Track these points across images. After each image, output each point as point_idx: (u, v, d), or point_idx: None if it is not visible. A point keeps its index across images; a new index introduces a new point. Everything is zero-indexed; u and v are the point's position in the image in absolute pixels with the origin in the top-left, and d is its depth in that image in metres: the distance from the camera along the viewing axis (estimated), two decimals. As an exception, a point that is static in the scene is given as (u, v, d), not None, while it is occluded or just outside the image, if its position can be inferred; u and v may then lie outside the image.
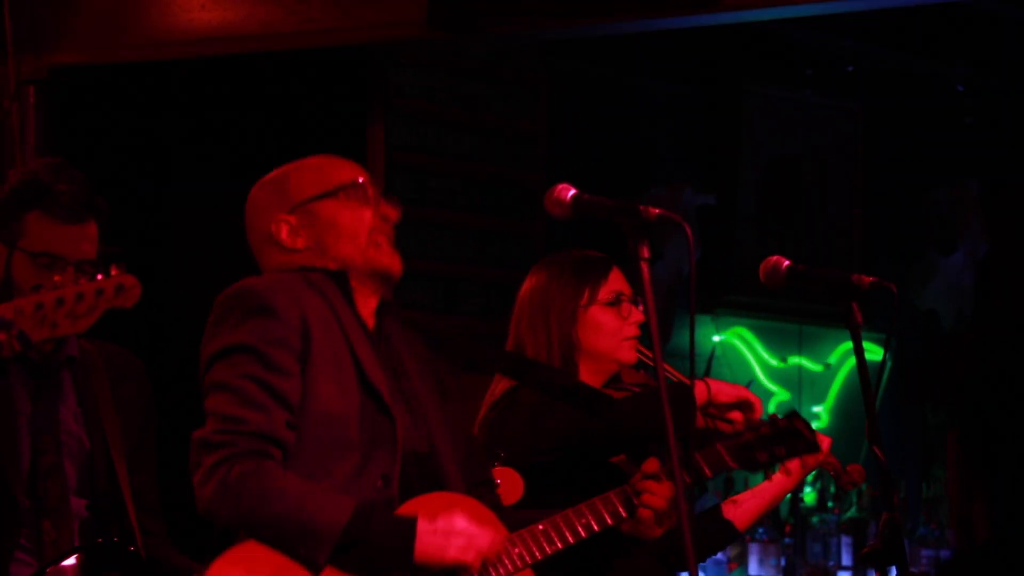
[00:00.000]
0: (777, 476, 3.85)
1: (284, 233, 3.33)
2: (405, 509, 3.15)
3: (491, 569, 3.19)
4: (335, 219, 3.31)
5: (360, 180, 3.34)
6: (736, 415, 3.64)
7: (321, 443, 3.14)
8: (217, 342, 3.17)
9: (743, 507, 4.02)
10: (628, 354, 3.89)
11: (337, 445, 3.14)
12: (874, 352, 7.95)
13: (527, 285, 3.94)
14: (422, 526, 3.08)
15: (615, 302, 3.89)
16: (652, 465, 3.50)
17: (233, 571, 3.06)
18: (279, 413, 3.10)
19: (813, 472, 4.02)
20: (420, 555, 3.07)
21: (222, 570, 3.07)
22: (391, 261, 3.31)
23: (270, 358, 3.11)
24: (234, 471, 3.04)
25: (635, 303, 3.91)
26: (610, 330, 3.86)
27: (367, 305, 3.32)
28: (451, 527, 3.09)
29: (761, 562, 7.47)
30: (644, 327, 3.88)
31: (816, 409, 8.59)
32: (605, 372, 3.91)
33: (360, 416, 3.17)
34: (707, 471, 3.53)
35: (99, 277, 2.54)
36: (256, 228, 3.40)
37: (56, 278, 2.52)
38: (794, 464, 3.91)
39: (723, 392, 3.65)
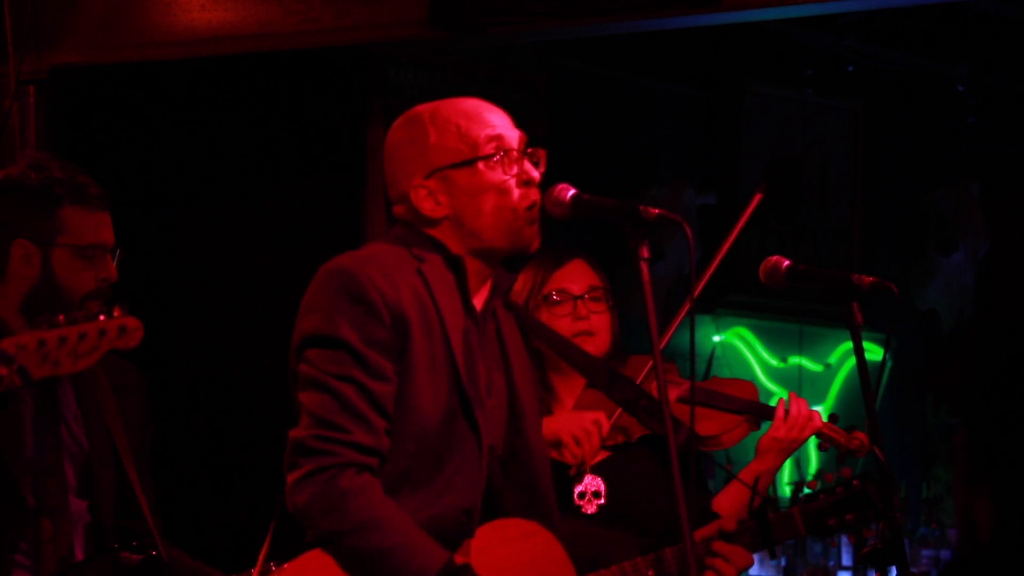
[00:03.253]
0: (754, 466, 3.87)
1: (423, 201, 3.16)
2: (479, 539, 3.09)
3: None
4: (477, 192, 3.14)
5: (503, 144, 3.15)
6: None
7: (411, 455, 3.07)
8: (313, 324, 3.07)
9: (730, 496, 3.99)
10: None
11: (426, 459, 3.08)
12: (874, 352, 7.96)
13: None
14: None
15: (548, 300, 3.87)
16: (729, 524, 3.47)
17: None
18: (379, 423, 3.03)
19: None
20: None
21: (297, 570, 3.03)
22: (532, 236, 3.18)
23: (370, 362, 3.02)
24: (337, 484, 2.98)
25: (584, 300, 3.88)
26: None
27: (482, 285, 3.21)
28: None
29: (761, 562, 7.47)
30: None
31: (816, 409, 8.59)
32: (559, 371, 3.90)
33: (450, 425, 3.09)
34: (778, 537, 3.50)
35: (102, 317, 2.54)
36: (392, 182, 3.23)
37: (59, 316, 2.52)
38: (765, 442, 3.90)
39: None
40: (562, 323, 3.82)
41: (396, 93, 6.07)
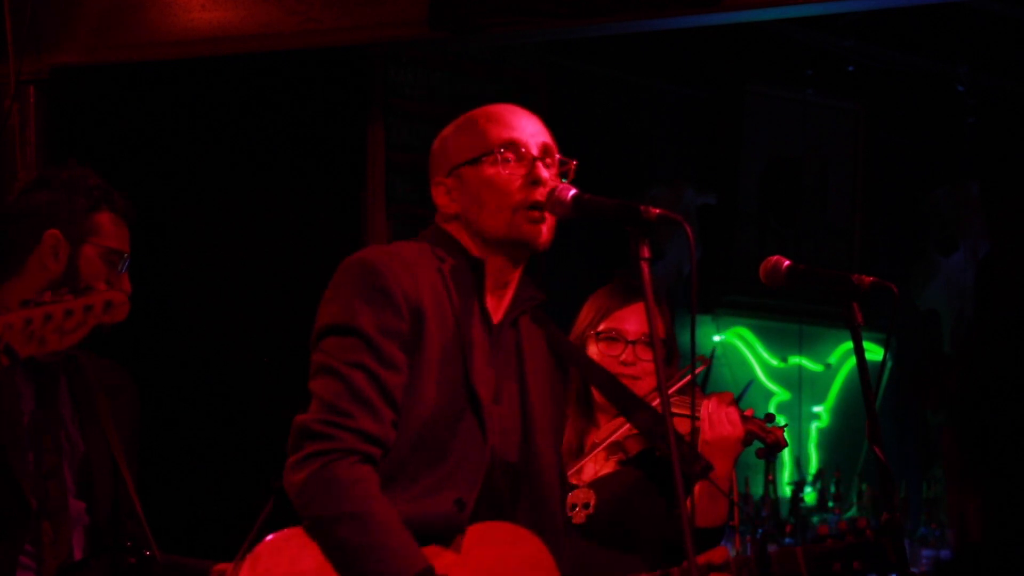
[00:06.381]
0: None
1: (440, 197, 3.24)
2: (469, 536, 3.09)
3: None
4: (480, 188, 3.19)
5: (514, 144, 3.20)
6: None
7: (412, 446, 3.08)
8: (331, 313, 3.09)
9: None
10: None
11: (428, 451, 3.08)
12: (874, 352, 7.96)
13: None
14: None
15: (601, 336, 3.90)
16: (720, 555, 3.45)
17: (282, 552, 3.01)
18: (386, 412, 3.04)
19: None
20: None
21: (278, 544, 3.03)
22: (533, 233, 3.18)
23: (384, 352, 3.05)
24: (332, 469, 2.98)
25: (635, 345, 3.89)
26: None
27: (503, 294, 3.24)
28: None
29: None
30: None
31: (816, 409, 8.59)
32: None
33: (455, 421, 3.11)
34: (778, 573, 3.45)
35: (88, 293, 2.53)
36: (430, 179, 3.29)
37: (46, 295, 2.51)
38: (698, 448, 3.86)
39: None
40: (608, 362, 3.86)
41: (396, 93, 6.08)
